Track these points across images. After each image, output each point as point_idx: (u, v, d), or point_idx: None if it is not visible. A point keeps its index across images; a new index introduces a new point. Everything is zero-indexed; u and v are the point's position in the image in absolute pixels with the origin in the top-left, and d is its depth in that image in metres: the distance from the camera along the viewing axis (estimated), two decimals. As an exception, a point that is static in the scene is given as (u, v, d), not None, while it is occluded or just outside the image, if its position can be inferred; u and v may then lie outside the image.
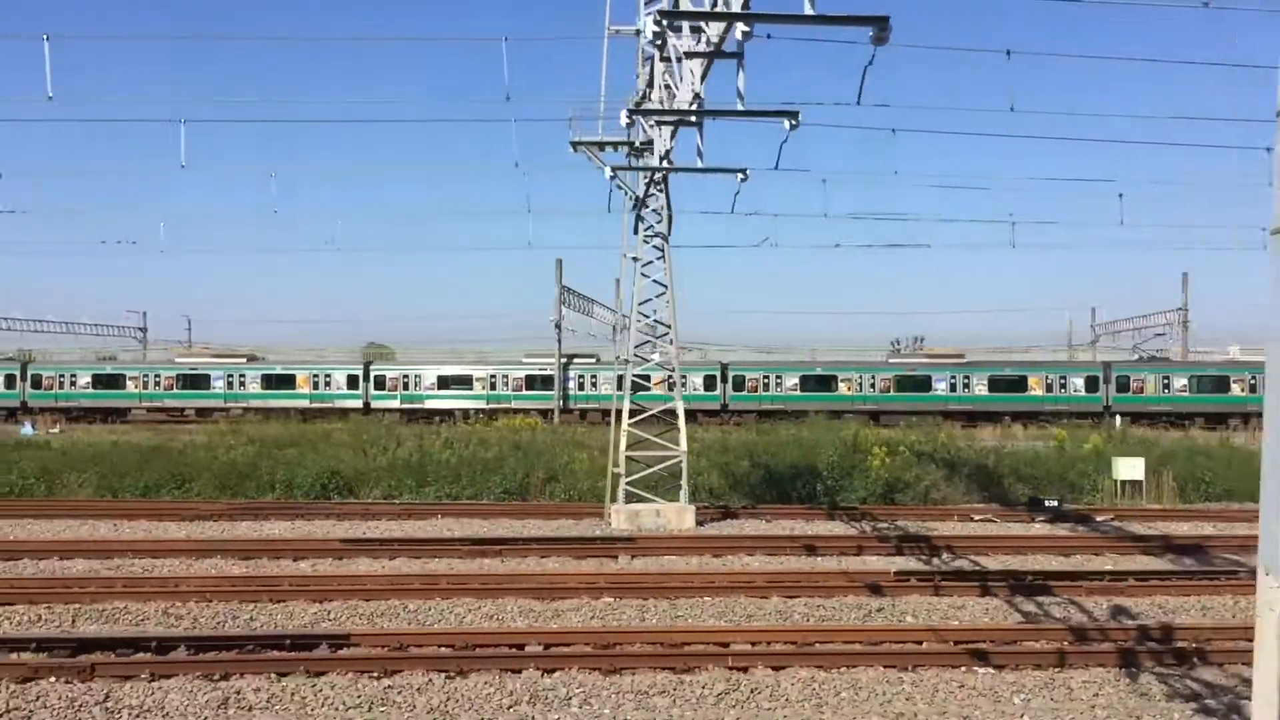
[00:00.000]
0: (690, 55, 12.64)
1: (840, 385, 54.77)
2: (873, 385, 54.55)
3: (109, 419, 56.10)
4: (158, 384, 57.65)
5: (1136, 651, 10.86)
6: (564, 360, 56.10)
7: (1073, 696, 9.74)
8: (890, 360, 59.84)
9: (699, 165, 15.93)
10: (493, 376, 57.01)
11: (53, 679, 9.78)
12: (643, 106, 19.56)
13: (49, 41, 19.18)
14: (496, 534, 18.74)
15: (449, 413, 55.88)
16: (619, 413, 20.76)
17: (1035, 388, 54.14)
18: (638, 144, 20.12)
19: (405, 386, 57.33)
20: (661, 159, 17.89)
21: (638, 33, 20.27)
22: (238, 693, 9.52)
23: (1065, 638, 11.52)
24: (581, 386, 56.36)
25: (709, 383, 54.04)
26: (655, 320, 20.91)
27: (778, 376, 55.21)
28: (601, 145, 20.35)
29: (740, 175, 16.35)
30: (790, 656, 10.75)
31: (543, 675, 10.09)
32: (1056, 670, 10.40)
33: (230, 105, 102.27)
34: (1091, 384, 53.89)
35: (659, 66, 16.25)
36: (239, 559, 16.30)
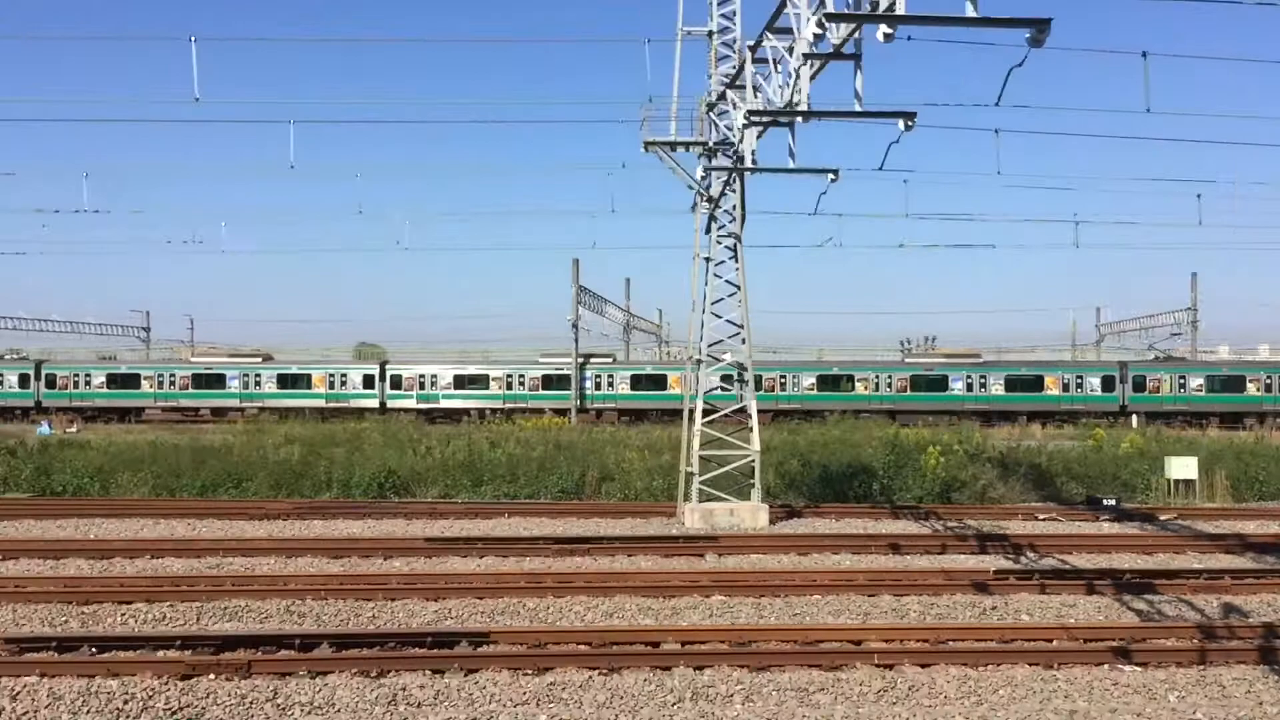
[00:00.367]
0: (811, 57, 12.68)
1: (857, 385, 55.01)
2: (889, 385, 54.81)
3: (124, 418, 55.90)
4: (173, 384, 57.49)
5: (1275, 649, 10.96)
6: (580, 360, 56.11)
7: (1227, 694, 9.84)
8: (907, 360, 60.12)
9: (790, 165, 16.01)
10: (509, 376, 56.99)
11: (212, 676, 9.79)
12: (717, 107, 19.70)
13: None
14: (571, 533, 18.76)
15: (465, 412, 55.85)
16: (691, 412, 20.81)
17: (1052, 387, 54.47)
18: (711, 144, 20.17)
19: (421, 386, 57.27)
20: (741, 159, 17.93)
21: (710, 34, 20.39)
22: (403, 689, 9.54)
23: (1195, 635, 11.63)
24: (598, 386, 56.36)
25: (724, 382, 54.10)
26: (727, 320, 20.96)
27: (795, 376, 55.40)
28: (673, 146, 20.40)
29: (831, 176, 16.38)
30: (931, 654, 10.82)
31: (695, 672, 10.15)
32: (1200, 668, 10.49)
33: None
34: (1108, 384, 54.27)
35: (749, 67, 16.31)
36: (329, 558, 16.29)
